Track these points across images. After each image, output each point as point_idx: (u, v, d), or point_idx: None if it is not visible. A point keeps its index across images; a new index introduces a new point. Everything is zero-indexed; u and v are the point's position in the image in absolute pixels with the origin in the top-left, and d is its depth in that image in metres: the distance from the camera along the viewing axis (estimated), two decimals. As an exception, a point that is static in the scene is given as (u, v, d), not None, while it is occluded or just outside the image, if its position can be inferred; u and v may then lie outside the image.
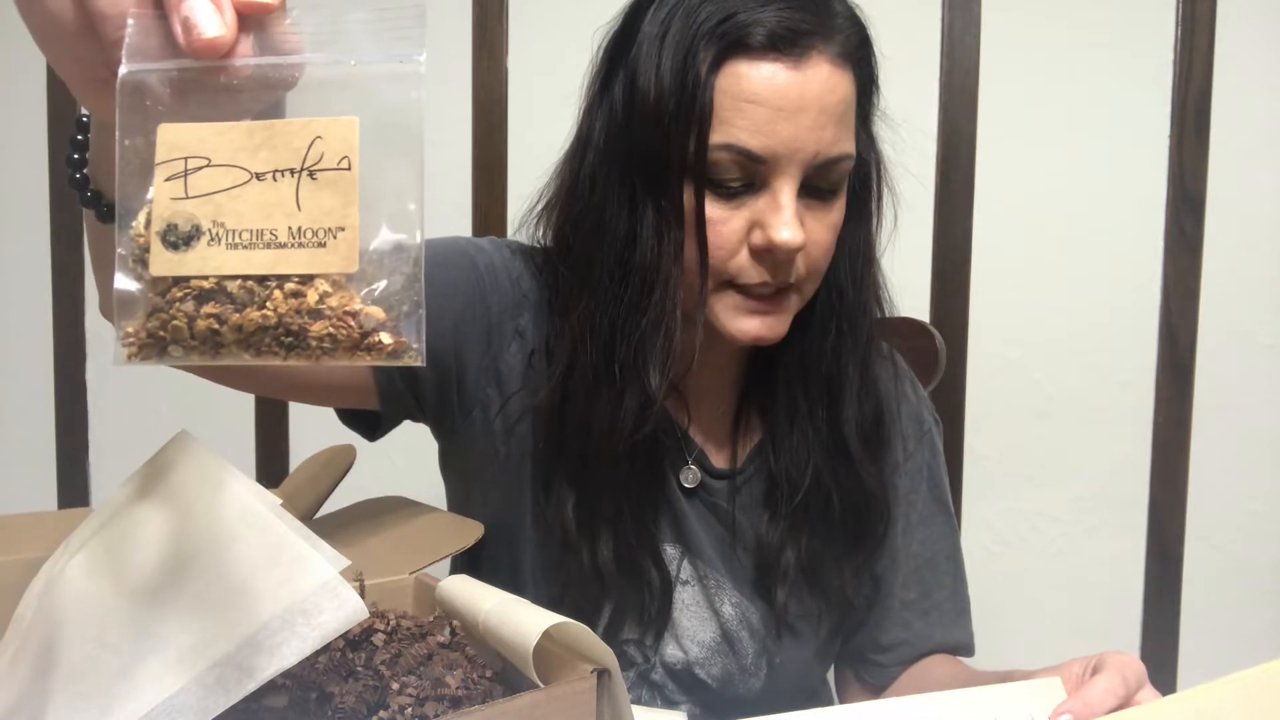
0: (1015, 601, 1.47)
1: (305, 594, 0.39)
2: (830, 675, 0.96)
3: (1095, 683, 0.60)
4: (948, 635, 0.89)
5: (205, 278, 0.35)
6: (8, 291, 1.62)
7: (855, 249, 0.79)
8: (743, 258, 0.72)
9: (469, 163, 1.49)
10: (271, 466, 1.56)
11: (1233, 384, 1.43)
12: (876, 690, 0.89)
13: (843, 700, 0.94)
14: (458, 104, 1.48)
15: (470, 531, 0.77)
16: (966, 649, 0.90)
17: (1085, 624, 1.47)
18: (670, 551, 0.84)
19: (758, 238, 0.71)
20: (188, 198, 0.36)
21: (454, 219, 1.49)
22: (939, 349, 1.13)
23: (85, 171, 0.53)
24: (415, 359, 0.36)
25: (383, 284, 0.36)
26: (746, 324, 0.75)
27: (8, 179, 1.59)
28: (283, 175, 0.35)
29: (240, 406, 1.54)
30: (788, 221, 0.69)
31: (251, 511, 0.42)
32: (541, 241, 0.84)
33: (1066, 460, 1.45)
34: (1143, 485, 1.46)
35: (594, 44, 0.78)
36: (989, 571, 1.46)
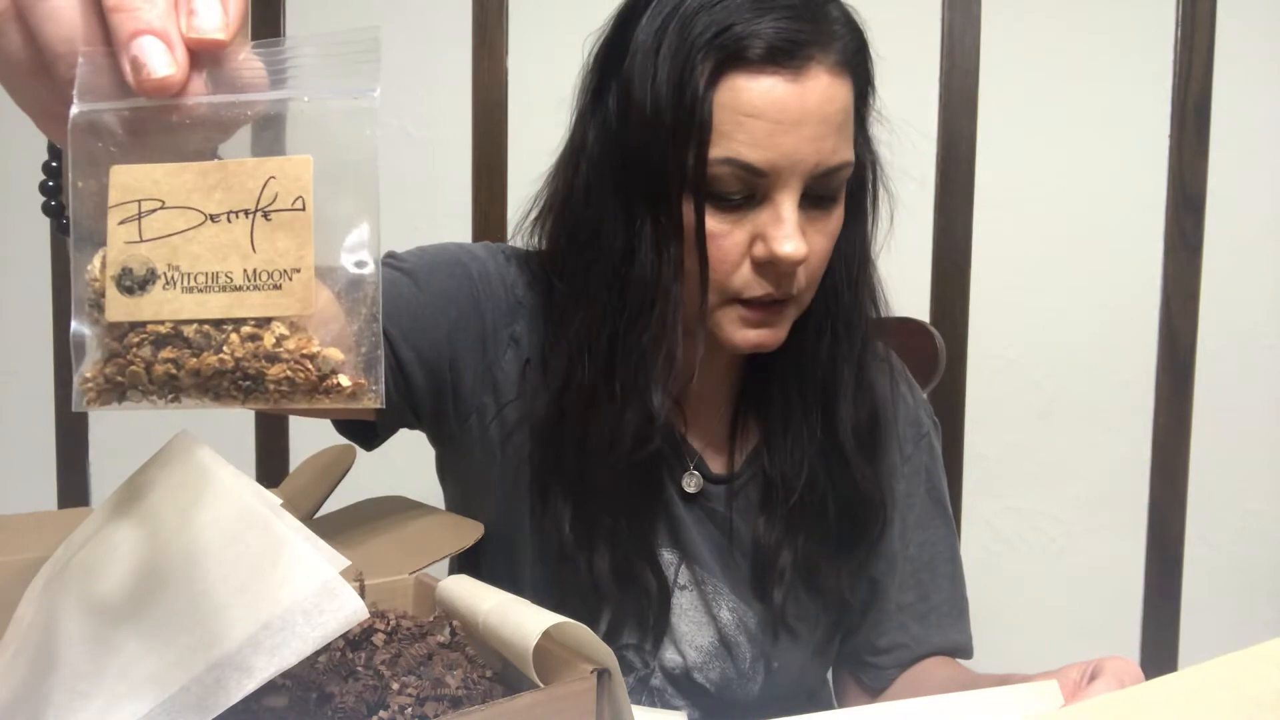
0: (1015, 601, 1.47)
1: (305, 594, 0.39)
2: (829, 677, 0.96)
3: (1092, 688, 0.61)
4: (945, 638, 0.88)
5: (162, 322, 0.35)
6: (8, 292, 1.62)
7: (850, 251, 0.79)
8: (745, 271, 0.72)
9: (469, 164, 1.49)
10: (271, 466, 1.57)
11: (1233, 384, 1.43)
12: (874, 693, 0.89)
13: (840, 703, 0.94)
14: (458, 105, 1.48)
15: (470, 531, 0.77)
16: (964, 651, 0.90)
17: (1085, 624, 1.47)
18: (668, 557, 0.83)
19: (760, 250, 0.71)
20: (142, 241, 0.35)
21: (453, 220, 1.49)
22: (939, 349, 1.13)
23: (60, 199, 0.53)
24: (374, 400, 0.36)
25: (340, 325, 0.35)
26: (750, 334, 0.74)
27: (8, 180, 1.59)
28: (237, 216, 0.35)
29: (240, 407, 1.54)
30: (790, 234, 0.69)
31: (251, 511, 0.42)
32: (537, 246, 0.83)
33: (1067, 460, 1.45)
34: (1143, 485, 1.46)
35: (585, 51, 0.77)
36: (989, 571, 1.46)
